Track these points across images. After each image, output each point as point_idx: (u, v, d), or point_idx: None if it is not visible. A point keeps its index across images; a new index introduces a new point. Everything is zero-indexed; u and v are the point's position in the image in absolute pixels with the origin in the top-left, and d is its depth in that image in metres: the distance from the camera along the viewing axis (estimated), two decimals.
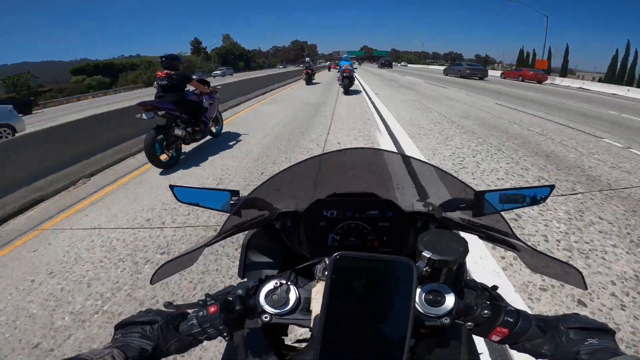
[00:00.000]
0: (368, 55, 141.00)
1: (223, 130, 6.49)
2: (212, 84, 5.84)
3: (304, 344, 0.57)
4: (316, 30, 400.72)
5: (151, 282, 0.54)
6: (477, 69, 24.60)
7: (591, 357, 0.38)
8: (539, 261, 0.51)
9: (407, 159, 0.67)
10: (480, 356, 0.60)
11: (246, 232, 0.69)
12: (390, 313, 0.38)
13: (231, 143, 5.73)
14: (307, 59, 18.61)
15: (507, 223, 0.55)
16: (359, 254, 0.40)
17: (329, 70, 40.77)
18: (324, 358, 0.36)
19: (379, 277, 0.39)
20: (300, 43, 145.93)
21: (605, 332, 0.42)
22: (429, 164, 0.65)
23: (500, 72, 28.89)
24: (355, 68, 16.74)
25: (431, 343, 0.55)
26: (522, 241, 0.50)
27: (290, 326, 0.57)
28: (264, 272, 0.64)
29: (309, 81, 17.49)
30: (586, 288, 0.47)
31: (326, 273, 0.47)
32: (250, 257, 0.67)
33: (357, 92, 13.17)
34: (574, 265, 0.44)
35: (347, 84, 12.28)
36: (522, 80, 22.21)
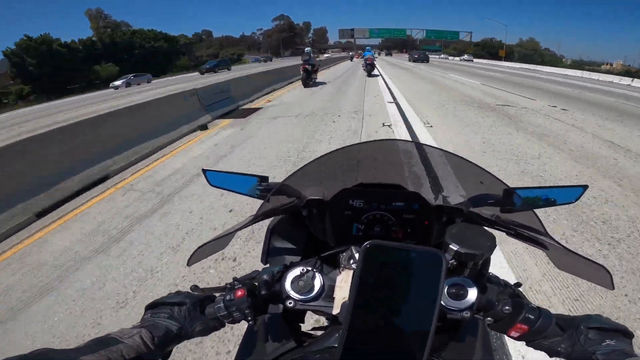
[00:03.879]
0: (407, 40, 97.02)
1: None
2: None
3: (320, 332, 0.60)
4: (326, 7, 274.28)
5: (188, 264, 0.56)
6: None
7: (606, 357, 0.39)
8: (568, 260, 0.50)
9: (437, 151, 0.68)
10: (494, 352, 0.60)
11: (271, 218, 0.71)
12: (416, 304, 0.39)
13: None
14: (306, 49, 13.17)
15: (539, 220, 0.54)
16: (389, 243, 0.41)
17: (352, 60, 38.33)
18: (349, 343, 0.38)
19: (407, 267, 0.40)
20: (287, 20, 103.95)
21: (624, 334, 0.43)
22: (459, 157, 0.64)
23: None
24: (375, 57, 18.39)
25: (447, 336, 0.56)
26: (554, 240, 0.50)
27: (306, 314, 0.60)
28: (287, 258, 0.66)
29: (307, 82, 12.52)
30: (614, 288, 0.46)
31: (351, 261, 0.54)
32: (273, 242, 0.69)
33: (376, 75, 17.46)
34: (604, 265, 0.44)
35: (370, 69, 17.22)
36: None
